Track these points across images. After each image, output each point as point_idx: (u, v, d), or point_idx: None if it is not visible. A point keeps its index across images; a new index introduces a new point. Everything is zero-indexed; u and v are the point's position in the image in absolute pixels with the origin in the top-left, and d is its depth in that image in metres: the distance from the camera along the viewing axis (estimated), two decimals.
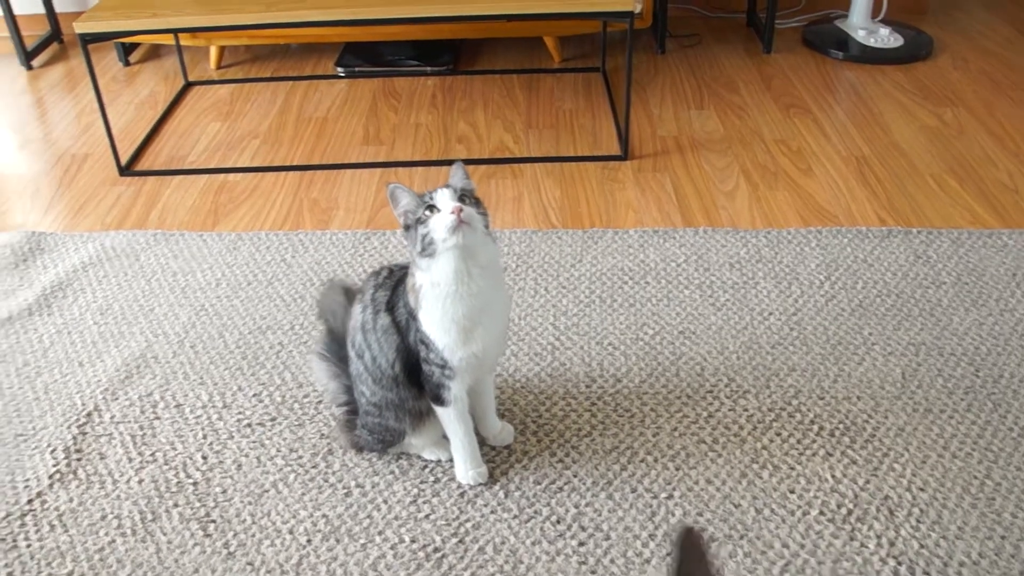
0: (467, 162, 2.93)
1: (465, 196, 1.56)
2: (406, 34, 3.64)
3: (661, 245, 2.47)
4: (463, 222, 1.51)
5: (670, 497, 1.73)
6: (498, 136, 3.12)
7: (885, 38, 3.66)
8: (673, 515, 1.69)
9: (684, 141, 3.05)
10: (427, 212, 1.54)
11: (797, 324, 2.18)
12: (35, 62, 3.94)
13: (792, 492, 1.73)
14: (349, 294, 1.84)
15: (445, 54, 3.70)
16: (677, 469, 1.79)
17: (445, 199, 1.54)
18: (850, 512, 1.69)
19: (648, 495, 1.74)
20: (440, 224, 1.52)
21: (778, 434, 1.87)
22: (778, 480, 1.76)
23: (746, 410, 1.93)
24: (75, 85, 3.71)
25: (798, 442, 1.84)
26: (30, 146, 3.23)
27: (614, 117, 3.20)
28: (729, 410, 1.93)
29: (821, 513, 1.69)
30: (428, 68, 3.64)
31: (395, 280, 1.68)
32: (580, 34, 3.76)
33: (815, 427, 1.88)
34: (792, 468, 1.78)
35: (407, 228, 1.58)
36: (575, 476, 1.79)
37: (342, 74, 3.67)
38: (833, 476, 1.77)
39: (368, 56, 3.72)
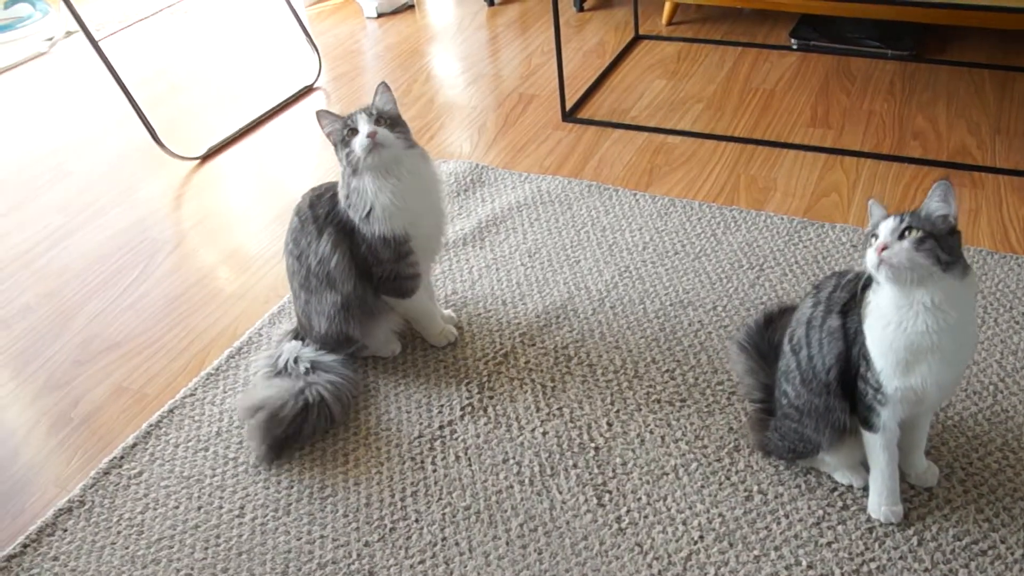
0: (921, 162, 2.69)
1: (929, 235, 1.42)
2: (870, 12, 3.39)
3: None
4: (896, 264, 1.40)
5: None
6: (959, 138, 2.84)
7: None
8: None
9: None
10: (875, 235, 1.43)
11: None
12: None
13: None
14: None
15: (908, 37, 3.42)
16: None
17: (888, 231, 1.42)
18: None
19: None
20: (891, 255, 1.41)
21: None
22: None
23: None
24: (528, 26, 3.84)
25: None
26: (481, 81, 3.39)
27: None
28: None
29: None
30: (889, 51, 3.38)
31: (859, 286, 1.56)
32: None
33: None
34: None
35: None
36: (1002, 542, 1.59)
37: (795, 46, 3.51)
38: None
39: (825, 30, 3.52)
